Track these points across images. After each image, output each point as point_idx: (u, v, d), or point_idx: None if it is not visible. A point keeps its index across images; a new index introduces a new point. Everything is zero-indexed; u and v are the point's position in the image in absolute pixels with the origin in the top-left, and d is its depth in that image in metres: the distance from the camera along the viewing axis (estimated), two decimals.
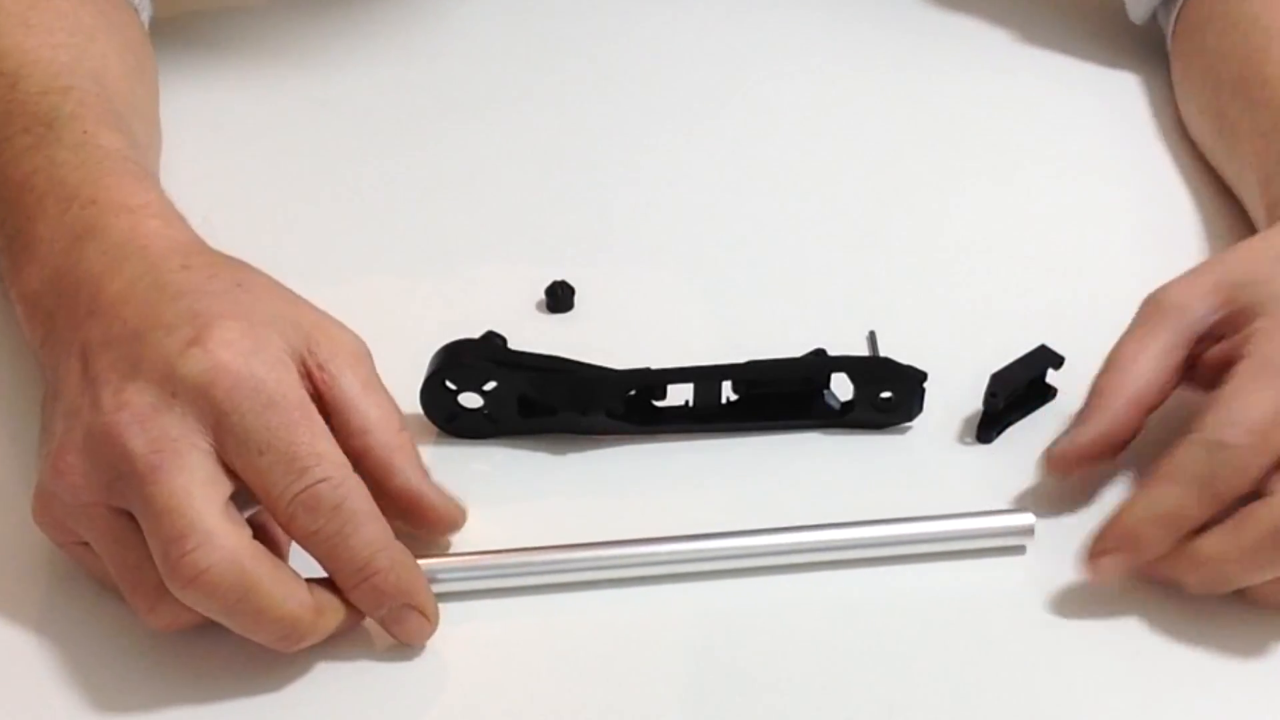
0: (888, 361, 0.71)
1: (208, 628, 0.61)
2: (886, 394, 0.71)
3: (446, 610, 0.64)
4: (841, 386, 0.71)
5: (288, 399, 0.60)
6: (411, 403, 0.71)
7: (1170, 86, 0.91)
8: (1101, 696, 0.62)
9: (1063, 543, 0.67)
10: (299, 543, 0.61)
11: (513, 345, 0.74)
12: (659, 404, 0.71)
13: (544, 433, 0.71)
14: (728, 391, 0.71)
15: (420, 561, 0.64)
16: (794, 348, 0.73)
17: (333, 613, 0.61)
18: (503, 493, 0.69)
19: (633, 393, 0.71)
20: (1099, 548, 0.63)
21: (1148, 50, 0.94)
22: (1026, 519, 0.67)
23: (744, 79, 0.92)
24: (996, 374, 0.71)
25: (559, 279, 0.77)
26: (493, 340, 0.71)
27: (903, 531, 0.66)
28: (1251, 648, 0.64)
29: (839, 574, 0.66)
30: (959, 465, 0.70)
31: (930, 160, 0.87)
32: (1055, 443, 0.68)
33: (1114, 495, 0.69)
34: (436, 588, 0.64)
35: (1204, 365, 0.67)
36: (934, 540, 0.66)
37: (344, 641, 0.63)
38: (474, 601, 0.65)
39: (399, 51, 0.92)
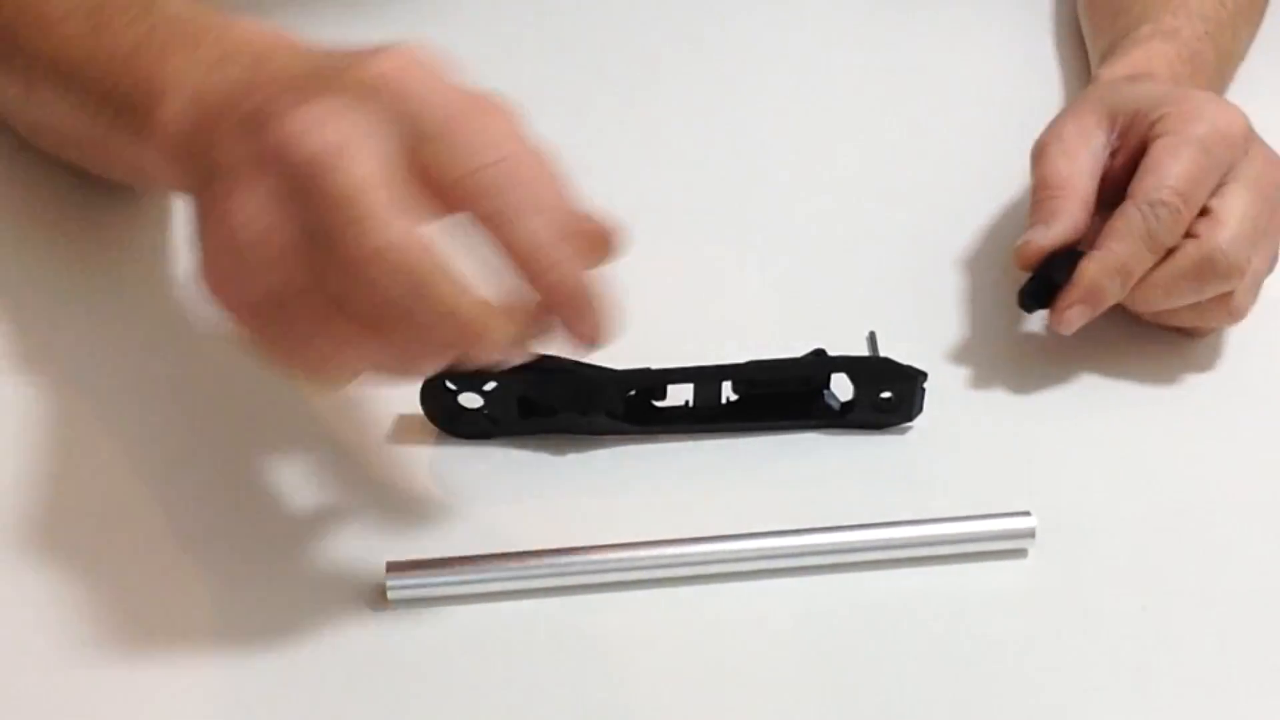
0: (887, 361, 0.71)
1: (205, 632, 0.61)
2: (886, 394, 0.71)
3: (446, 612, 0.64)
4: (842, 387, 0.71)
5: (465, 86, 0.60)
6: (411, 403, 0.70)
7: None
8: (1102, 699, 0.62)
9: (1064, 546, 0.67)
10: (483, 221, 0.58)
11: None
12: (659, 404, 0.71)
13: (544, 433, 0.70)
14: (728, 392, 0.71)
15: (420, 563, 0.64)
16: (794, 347, 0.73)
17: (507, 318, 0.59)
18: (503, 493, 0.69)
19: (633, 393, 0.71)
20: (1065, 303, 0.72)
21: None
22: (1028, 522, 0.67)
23: (744, 79, 0.92)
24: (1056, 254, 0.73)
25: None
26: None
27: (904, 534, 0.66)
28: (1252, 649, 0.64)
29: (840, 577, 0.66)
30: (959, 467, 0.70)
31: (932, 159, 0.87)
32: (1024, 240, 0.74)
33: (1116, 501, 0.69)
34: (437, 589, 0.64)
35: (1106, 184, 0.75)
36: (935, 543, 0.66)
37: (344, 641, 0.63)
38: (474, 603, 0.65)
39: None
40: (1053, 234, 0.73)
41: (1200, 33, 0.82)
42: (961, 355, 0.75)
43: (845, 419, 0.71)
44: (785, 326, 0.76)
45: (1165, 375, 0.75)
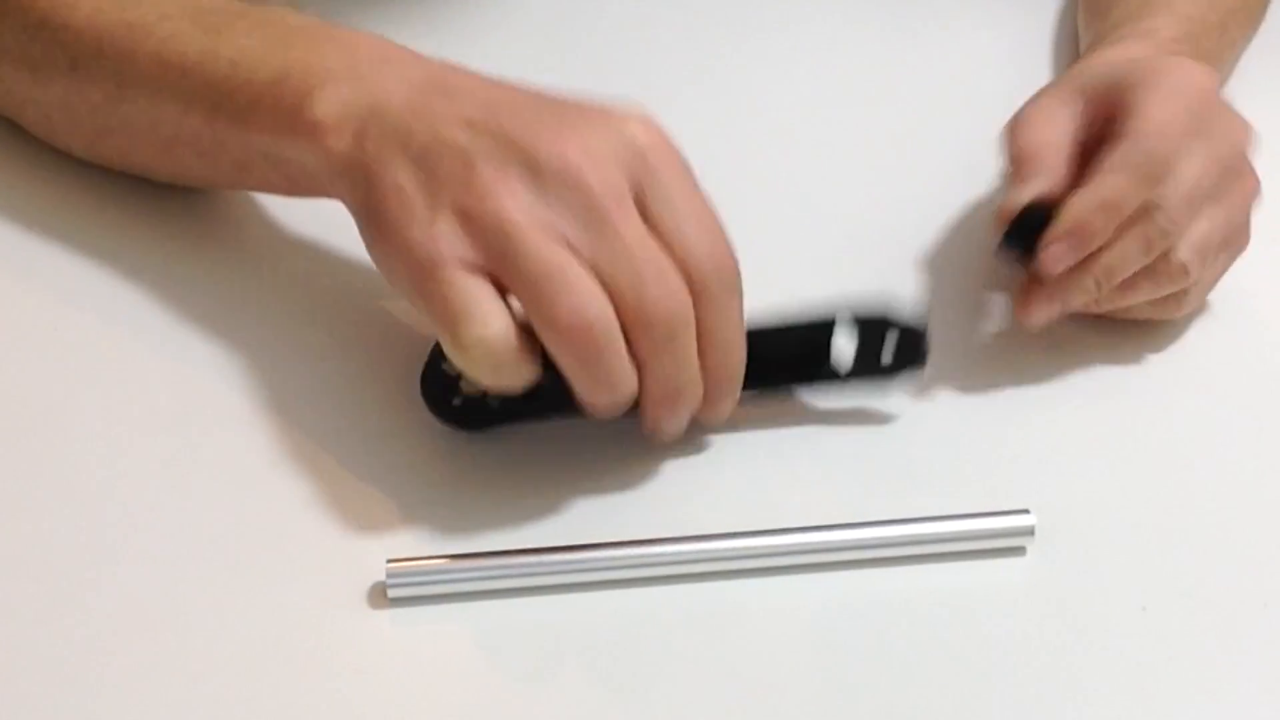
0: (886, 314, 0.70)
1: (204, 631, 0.61)
2: (887, 348, 0.70)
3: (447, 610, 0.64)
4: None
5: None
6: (408, 403, 0.70)
7: None
8: (1102, 698, 0.62)
9: (1063, 544, 0.67)
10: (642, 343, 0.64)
11: None
12: None
13: (546, 416, 0.70)
14: None
15: (420, 562, 0.64)
16: None
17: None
18: (503, 491, 0.69)
19: None
20: (1050, 238, 0.70)
21: None
22: (1027, 520, 0.67)
23: (743, 78, 0.92)
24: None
25: None
26: None
27: (903, 532, 0.66)
28: (1252, 649, 0.64)
29: (839, 575, 0.66)
30: (958, 465, 0.70)
31: (930, 159, 0.87)
32: (1001, 202, 0.73)
33: (1115, 500, 0.69)
34: (437, 588, 0.64)
35: (1084, 154, 0.74)
36: (934, 541, 0.66)
37: (344, 640, 0.63)
38: (474, 602, 0.65)
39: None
40: (1031, 188, 0.72)
41: (1180, 34, 0.82)
42: (961, 353, 0.75)
43: (849, 379, 0.70)
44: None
45: (1166, 374, 0.75)
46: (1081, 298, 0.72)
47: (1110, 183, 0.70)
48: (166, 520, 0.68)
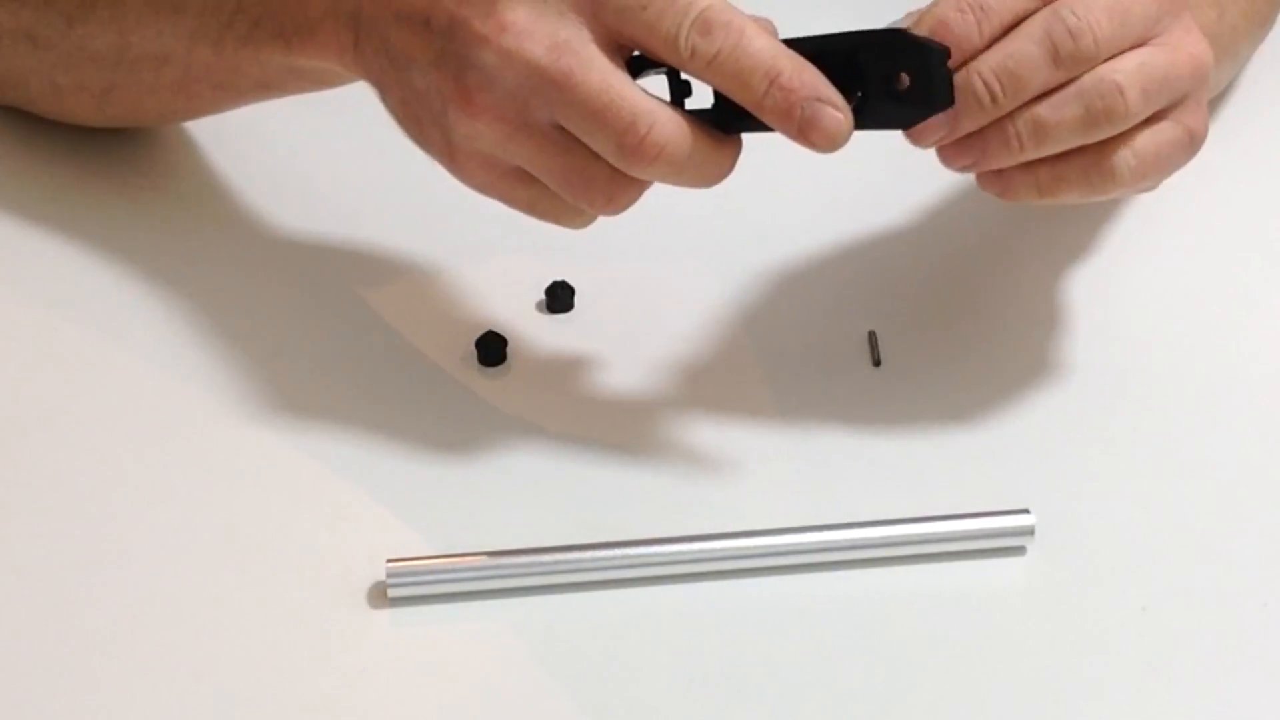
0: (901, 34, 0.63)
1: (204, 631, 0.61)
2: (903, 77, 0.63)
3: (447, 610, 0.64)
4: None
5: None
6: (408, 403, 0.70)
7: None
8: (1101, 698, 0.62)
9: (1063, 543, 0.67)
10: (702, 76, 0.63)
11: (512, 345, 0.74)
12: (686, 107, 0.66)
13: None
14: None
15: (420, 562, 0.64)
16: (794, 345, 0.73)
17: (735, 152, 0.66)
18: (503, 493, 0.69)
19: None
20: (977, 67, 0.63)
21: None
22: (1026, 519, 0.67)
23: None
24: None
25: (559, 279, 0.77)
26: None
27: (903, 532, 0.66)
28: (1252, 649, 0.64)
29: (839, 574, 0.66)
30: (958, 464, 0.70)
31: (933, 158, 0.86)
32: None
33: (1115, 500, 0.69)
34: (437, 588, 0.64)
35: None
36: (934, 541, 0.66)
37: (344, 640, 0.63)
38: (474, 602, 0.65)
39: None
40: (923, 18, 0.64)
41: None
42: (961, 353, 0.75)
43: (864, 115, 0.64)
44: (786, 324, 0.76)
45: (1166, 374, 0.75)
46: (1003, 158, 0.65)
47: (1020, 49, 0.63)
48: (166, 520, 0.68)
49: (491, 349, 0.74)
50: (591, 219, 0.67)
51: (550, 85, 0.62)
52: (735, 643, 0.64)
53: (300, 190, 0.84)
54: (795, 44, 0.64)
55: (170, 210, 0.82)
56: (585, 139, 0.63)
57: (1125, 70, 0.64)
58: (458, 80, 0.63)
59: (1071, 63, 0.64)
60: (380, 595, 0.65)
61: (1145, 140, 0.66)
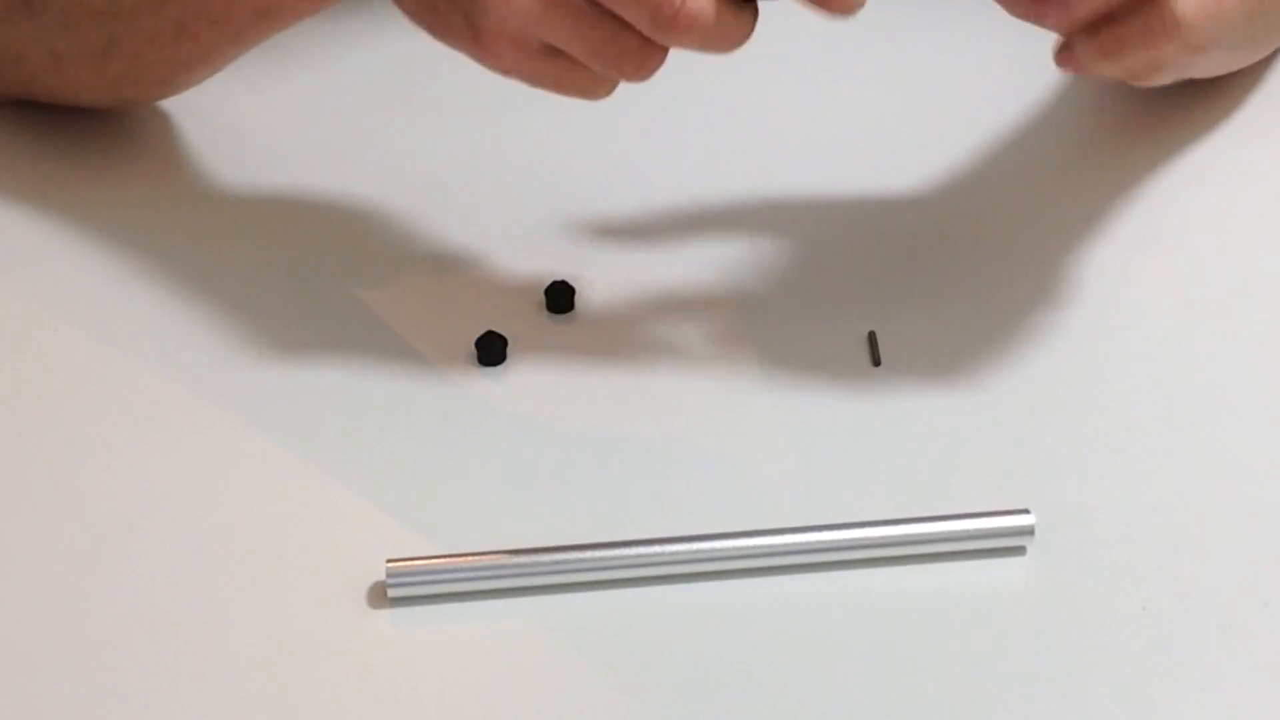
0: None
1: (203, 631, 0.61)
2: None
3: (447, 610, 0.64)
4: None
5: None
6: (407, 403, 0.70)
7: None
8: (1102, 698, 0.62)
9: (1063, 543, 0.67)
10: None
11: (512, 345, 0.74)
12: None
13: None
14: None
15: (420, 561, 0.64)
16: (794, 345, 0.73)
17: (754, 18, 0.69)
18: (503, 493, 0.69)
19: None
20: None
21: None
22: (1026, 519, 0.67)
23: (744, 76, 0.92)
24: None
25: (559, 279, 0.77)
26: None
27: (903, 532, 0.66)
28: (1252, 648, 0.64)
29: (838, 574, 0.66)
30: (958, 464, 0.70)
31: (934, 157, 0.87)
32: None
33: (1116, 499, 0.69)
34: (437, 588, 0.64)
35: None
36: (934, 540, 0.66)
37: (344, 640, 0.63)
38: (474, 601, 0.65)
39: (400, 52, 0.92)
40: None
41: None
42: (962, 352, 0.75)
43: None
44: (786, 324, 0.76)
45: (1166, 375, 0.75)
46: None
47: None
48: (166, 520, 0.68)
49: (491, 349, 0.74)
50: (614, 87, 0.70)
51: None
52: (735, 643, 0.64)
53: (300, 190, 0.84)
54: None
55: (166, 208, 0.82)
56: (620, 10, 0.66)
57: None
58: None
59: None
60: (380, 595, 0.65)
61: None
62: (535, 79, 0.69)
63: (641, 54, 0.67)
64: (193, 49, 0.77)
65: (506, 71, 0.68)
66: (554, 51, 0.68)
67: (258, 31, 0.77)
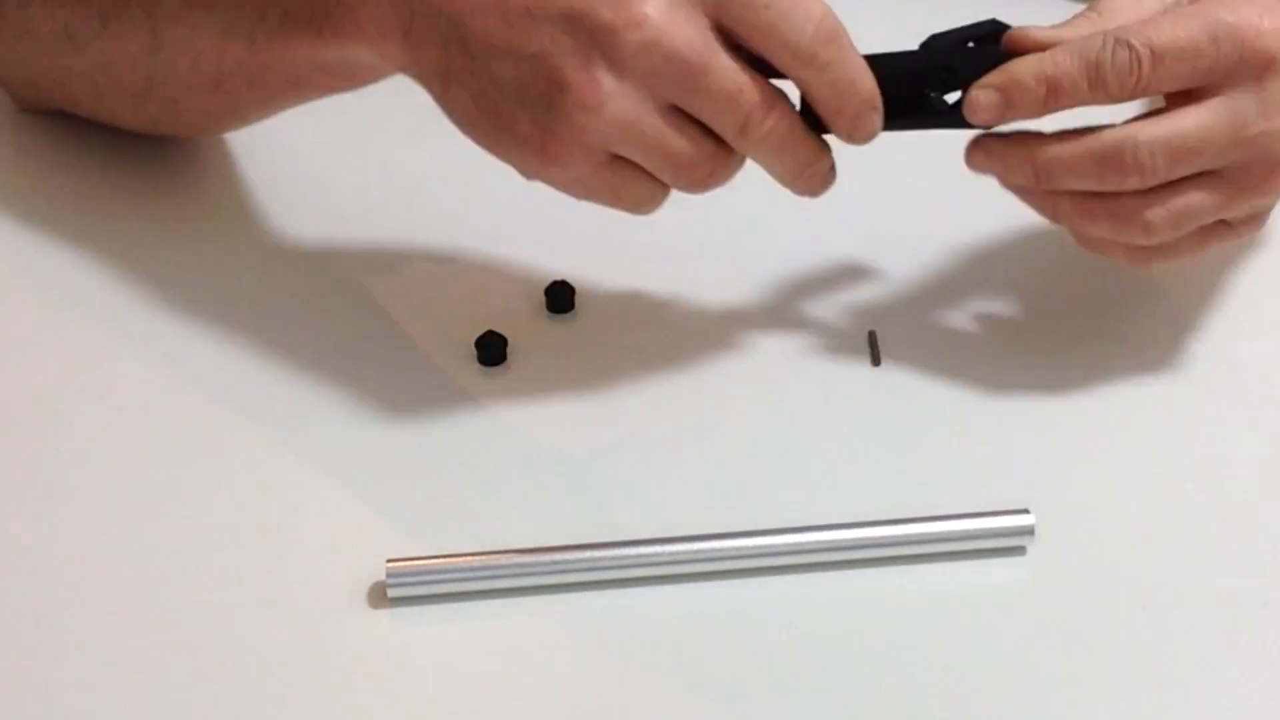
0: (997, 54, 0.68)
1: (204, 630, 0.61)
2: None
3: (447, 610, 0.64)
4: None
5: None
6: (407, 403, 0.70)
7: None
8: (1101, 697, 0.62)
9: (1063, 543, 0.67)
10: (812, 81, 0.67)
11: (512, 345, 0.74)
12: None
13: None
14: None
15: (420, 562, 0.64)
16: (794, 345, 0.73)
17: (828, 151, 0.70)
18: (503, 492, 0.69)
19: None
20: (982, 83, 0.68)
21: None
22: (1026, 519, 0.67)
23: None
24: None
25: (559, 279, 0.77)
26: None
27: (903, 532, 0.66)
28: (1252, 648, 0.64)
29: (839, 574, 0.66)
30: (958, 464, 0.70)
31: (936, 158, 0.86)
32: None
33: (1115, 499, 0.69)
34: (437, 588, 0.64)
35: None
36: (934, 540, 0.66)
37: (344, 640, 0.63)
38: (474, 601, 0.65)
39: None
40: (1042, 30, 0.68)
41: None
42: (962, 353, 0.75)
43: (955, 118, 0.69)
44: (787, 324, 0.76)
45: (1166, 373, 0.75)
46: (1019, 178, 0.70)
47: (1063, 61, 0.67)
48: (166, 520, 0.68)
49: (491, 349, 0.74)
50: (665, 199, 0.69)
51: (688, 72, 0.64)
52: (735, 643, 0.64)
53: (300, 190, 0.84)
54: (900, 56, 0.69)
55: (170, 207, 0.82)
56: (710, 120, 0.66)
57: (1151, 132, 0.67)
58: (586, 69, 0.64)
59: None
60: (380, 595, 0.65)
61: (1179, 202, 0.68)
62: (593, 191, 0.68)
63: (714, 162, 0.67)
64: (227, 104, 0.77)
65: (568, 182, 0.68)
66: (620, 163, 0.67)
67: (287, 98, 0.76)
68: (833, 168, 0.70)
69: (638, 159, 0.67)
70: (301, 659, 0.63)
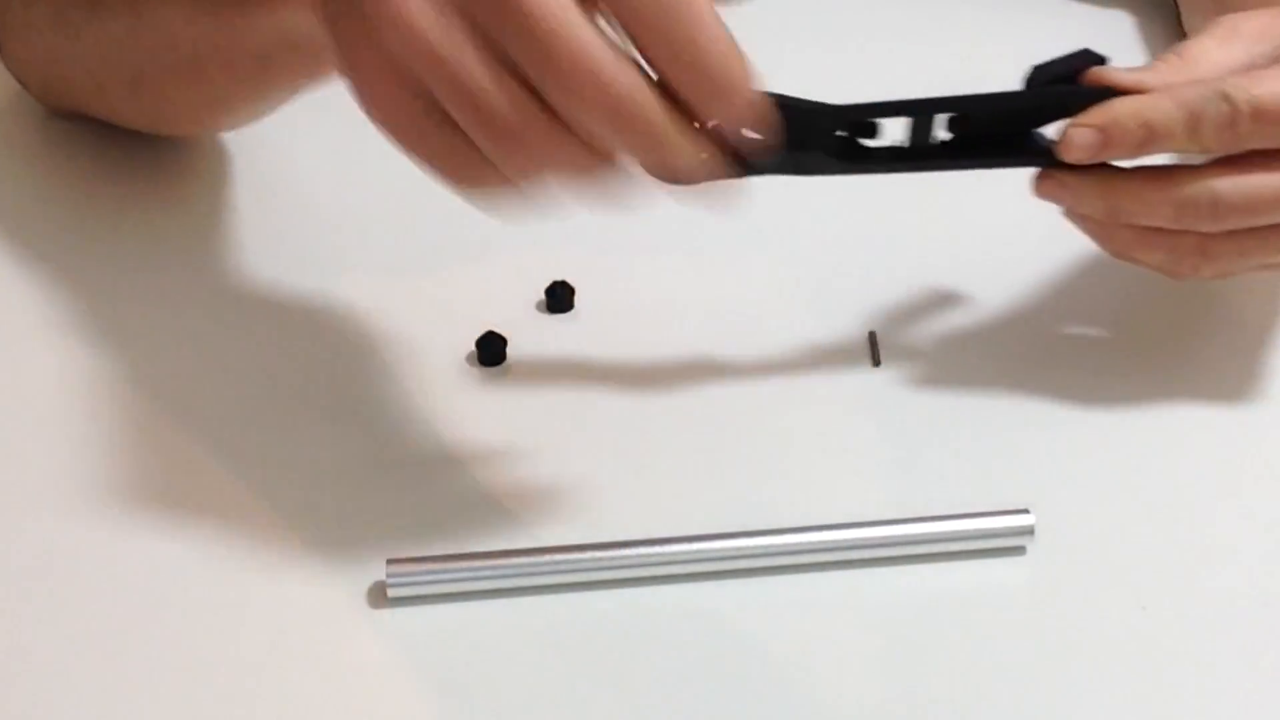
0: (1109, 91, 0.67)
1: (203, 630, 0.61)
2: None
3: (447, 610, 0.64)
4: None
5: None
6: (407, 403, 0.70)
7: (1161, 17, 0.93)
8: (1101, 698, 0.62)
9: (1063, 543, 0.67)
10: (640, 42, 0.55)
11: (512, 345, 0.74)
12: (870, 144, 0.67)
13: (749, 175, 0.64)
14: (941, 132, 0.68)
15: (420, 562, 0.64)
16: (794, 345, 0.73)
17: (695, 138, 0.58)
18: (504, 492, 0.69)
19: (844, 133, 0.67)
20: (1079, 122, 0.66)
21: None
22: (1026, 519, 0.67)
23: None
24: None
25: (559, 279, 0.77)
26: None
27: (903, 532, 0.66)
28: (1252, 648, 0.64)
29: (839, 574, 0.66)
30: (958, 464, 0.70)
31: None
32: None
33: (1115, 499, 0.69)
34: (437, 588, 0.64)
35: None
36: (934, 541, 0.66)
37: (344, 639, 0.63)
38: (474, 601, 0.65)
39: None
40: (1138, 73, 0.67)
41: None
42: (962, 353, 0.75)
43: (1036, 154, 0.68)
44: (786, 324, 0.76)
45: (1165, 372, 0.75)
46: (1089, 210, 0.69)
47: (1163, 107, 0.66)
48: (166, 520, 0.68)
49: (491, 349, 0.74)
50: (497, 192, 0.58)
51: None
52: (735, 643, 0.64)
53: (300, 191, 0.84)
54: (1007, 96, 0.68)
55: (165, 209, 0.82)
56: (526, 59, 0.55)
57: (1239, 186, 0.67)
58: None
59: (1200, 141, 0.66)
60: (380, 595, 0.65)
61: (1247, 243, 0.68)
62: (402, 134, 0.58)
63: (535, 132, 0.55)
64: (210, 92, 0.77)
65: (372, 109, 0.58)
66: (434, 106, 0.56)
67: (264, 83, 0.74)
68: (717, 162, 0.59)
69: (444, 99, 0.55)
70: (301, 659, 0.63)
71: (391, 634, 0.64)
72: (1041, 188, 0.69)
